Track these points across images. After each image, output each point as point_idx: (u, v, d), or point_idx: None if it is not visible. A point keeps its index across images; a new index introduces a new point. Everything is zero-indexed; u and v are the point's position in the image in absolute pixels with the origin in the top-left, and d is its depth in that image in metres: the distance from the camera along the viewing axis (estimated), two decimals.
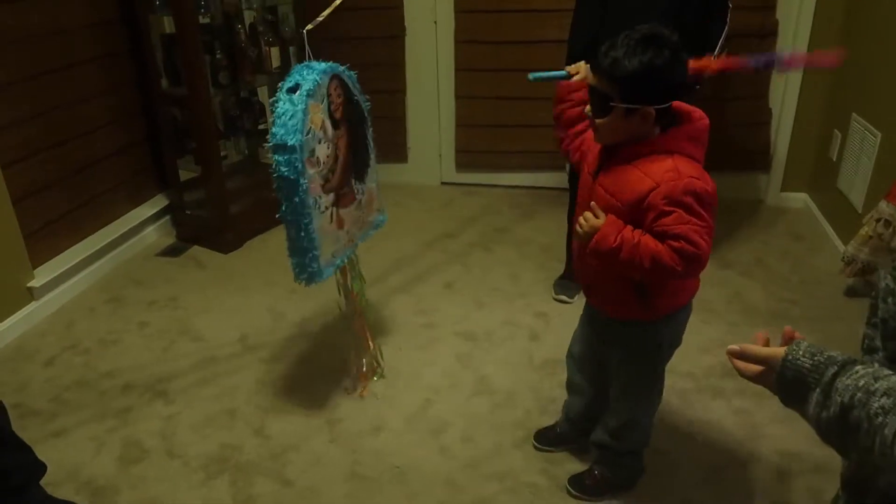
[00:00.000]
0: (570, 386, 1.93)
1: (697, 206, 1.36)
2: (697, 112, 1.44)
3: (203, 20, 3.01)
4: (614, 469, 1.84)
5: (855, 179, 2.90)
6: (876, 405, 0.70)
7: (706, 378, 2.27)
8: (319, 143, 1.79)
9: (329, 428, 2.10)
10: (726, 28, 2.37)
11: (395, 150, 3.82)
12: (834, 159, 3.13)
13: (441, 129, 3.76)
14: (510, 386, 2.26)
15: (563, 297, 2.72)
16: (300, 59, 2.93)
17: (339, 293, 2.14)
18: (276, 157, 1.70)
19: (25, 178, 2.63)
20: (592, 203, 1.45)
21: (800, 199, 3.50)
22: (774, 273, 2.90)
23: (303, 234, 1.79)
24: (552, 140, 3.48)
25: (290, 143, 1.68)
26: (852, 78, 3.03)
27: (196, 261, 3.11)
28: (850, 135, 2.98)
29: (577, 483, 1.86)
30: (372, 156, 2.08)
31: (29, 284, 2.65)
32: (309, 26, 1.87)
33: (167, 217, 3.38)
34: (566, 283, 2.73)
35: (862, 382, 0.73)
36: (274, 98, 1.75)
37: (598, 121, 1.42)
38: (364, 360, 2.24)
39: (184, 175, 3.28)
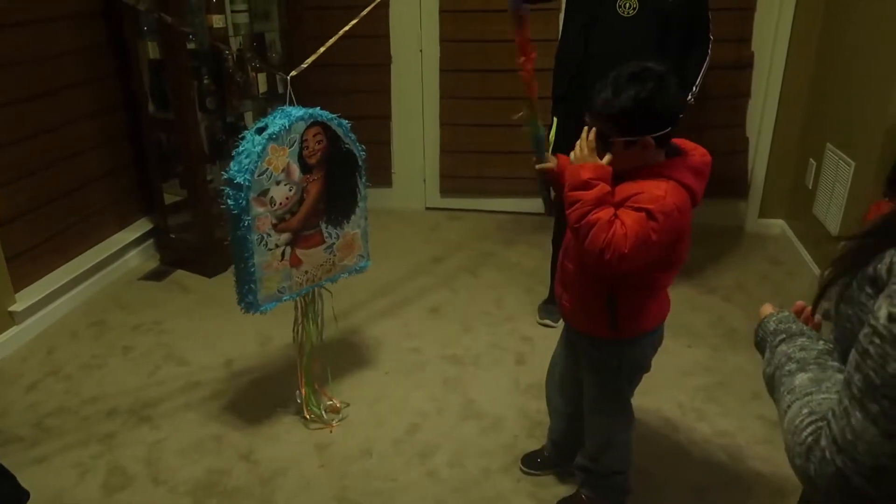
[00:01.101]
0: (551, 407, 1.95)
1: (661, 224, 1.41)
2: (702, 149, 1.53)
3: (190, 46, 3.03)
4: (600, 491, 1.85)
5: (830, 207, 2.99)
6: (786, 368, 0.84)
7: (690, 401, 2.30)
8: (277, 184, 1.84)
9: (317, 452, 2.09)
10: (707, 61, 2.45)
11: (381, 174, 3.85)
12: (810, 187, 3.22)
13: (426, 154, 3.81)
14: (497, 410, 2.27)
15: (548, 322, 2.75)
16: (286, 87, 2.96)
17: (293, 329, 2.14)
18: (227, 190, 1.79)
19: (9, 202, 2.62)
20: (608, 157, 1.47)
21: (777, 226, 3.58)
22: (755, 297, 2.96)
23: (242, 265, 1.87)
24: (534, 167, 3.55)
25: (237, 180, 1.76)
26: (826, 109, 3.14)
27: (180, 285, 3.10)
28: (824, 164, 3.08)
29: None
30: (360, 204, 2.11)
31: (10, 308, 2.62)
32: (293, 73, 1.92)
33: (150, 241, 3.36)
34: (550, 308, 2.76)
35: (790, 350, 0.86)
36: (242, 135, 1.82)
37: (604, 157, 1.49)
38: (309, 401, 2.21)
39: (168, 199, 3.28)
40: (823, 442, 0.70)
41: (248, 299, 1.92)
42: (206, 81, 3.09)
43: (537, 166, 1.68)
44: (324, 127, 1.91)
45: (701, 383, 2.38)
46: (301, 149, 1.87)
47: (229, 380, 2.43)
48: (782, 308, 0.99)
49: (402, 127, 3.77)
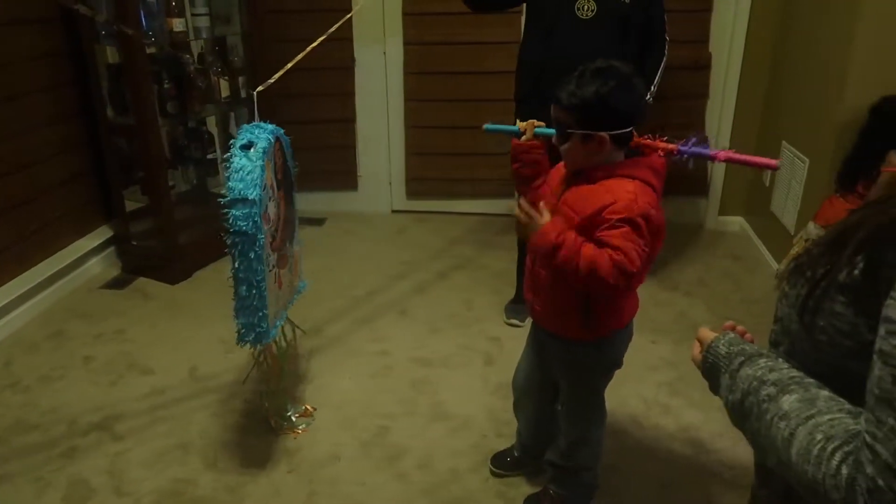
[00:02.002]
0: (518, 407, 1.97)
1: (645, 229, 1.44)
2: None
3: (150, 50, 2.99)
4: (569, 487, 1.87)
5: (786, 203, 3.07)
6: (763, 393, 0.78)
7: (655, 396, 2.34)
8: (270, 200, 1.81)
9: (286, 458, 2.07)
10: (664, 61, 2.49)
11: (346, 178, 3.84)
12: (767, 185, 3.30)
13: (391, 157, 3.81)
14: (466, 411, 2.28)
15: (515, 321, 2.77)
16: (248, 91, 2.94)
17: (258, 357, 2.07)
18: (234, 211, 1.67)
19: None
20: (541, 203, 1.51)
21: (736, 223, 3.67)
22: (716, 293, 3.02)
23: (254, 291, 1.75)
24: (500, 168, 3.58)
25: (250, 196, 1.67)
26: (781, 108, 3.22)
27: (143, 292, 3.04)
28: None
29: None
30: (296, 221, 2.10)
31: None
32: (260, 87, 1.90)
33: (111, 248, 3.30)
34: (517, 307, 2.78)
35: (759, 373, 0.81)
36: (228, 154, 1.76)
37: (561, 147, 1.52)
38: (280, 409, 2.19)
39: (130, 205, 3.22)
40: (870, 470, 0.63)
41: (260, 328, 1.80)
42: (166, 86, 3.05)
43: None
44: (280, 143, 1.90)
45: (665, 378, 2.43)
46: (274, 163, 1.86)
47: (194, 387, 2.39)
48: (726, 332, 0.95)
49: (366, 130, 3.76)
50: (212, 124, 3.54)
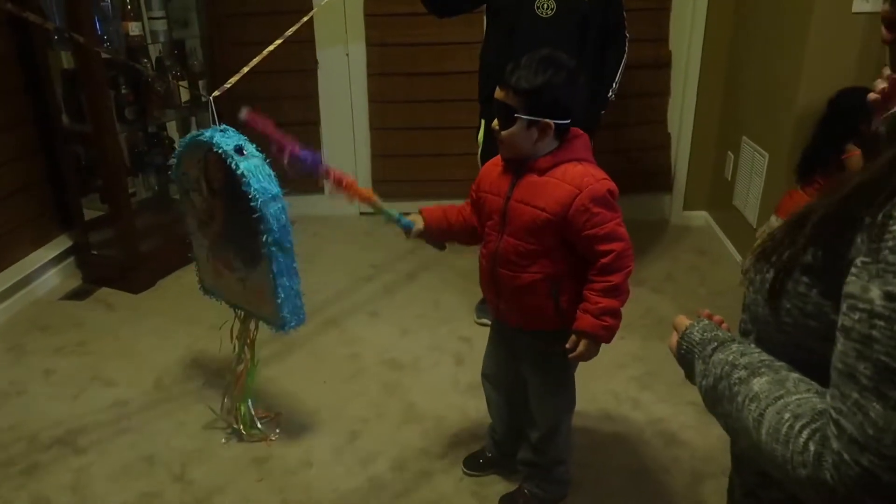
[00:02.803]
0: (490, 406, 1.97)
1: (613, 201, 1.53)
2: (577, 129, 1.59)
3: (106, 55, 2.92)
4: (543, 484, 1.88)
5: (748, 197, 3.12)
6: (735, 377, 0.79)
7: (625, 391, 2.36)
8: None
9: (256, 467, 2.04)
10: (624, 58, 2.52)
11: (312, 181, 3.78)
12: (729, 179, 3.36)
13: (357, 159, 3.78)
14: (438, 412, 2.27)
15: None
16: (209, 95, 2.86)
17: (237, 343, 2.08)
18: (270, 211, 1.69)
19: None
20: (571, 339, 1.59)
21: (701, 217, 3.72)
22: (683, 287, 3.06)
23: (295, 278, 1.83)
24: (466, 168, 3.58)
25: (277, 192, 1.72)
26: (740, 104, 3.28)
27: (105, 303, 2.97)
28: (741, 156, 3.21)
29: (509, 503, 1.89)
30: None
31: None
32: (216, 93, 1.86)
33: (71, 259, 3.21)
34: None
35: (730, 357, 0.82)
36: (230, 160, 1.71)
37: (503, 132, 1.53)
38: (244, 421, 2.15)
39: (89, 214, 3.15)
40: (836, 444, 0.64)
41: (304, 311, 1.90)
42: (123, 91, 2.98)
43: (411, 237, 1.87)
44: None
45: (634, 373, 2.45)
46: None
47: (159, 398, 2.34)
48: (699, 317, 0.96)
49: (331, 132, 3.73)
50: (172, 129, 3.48)
